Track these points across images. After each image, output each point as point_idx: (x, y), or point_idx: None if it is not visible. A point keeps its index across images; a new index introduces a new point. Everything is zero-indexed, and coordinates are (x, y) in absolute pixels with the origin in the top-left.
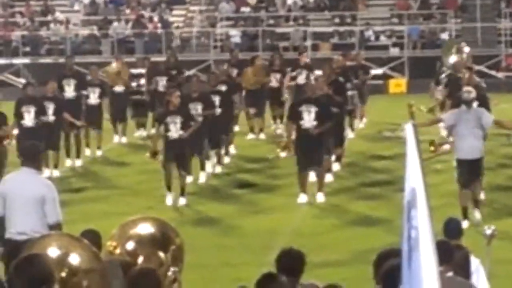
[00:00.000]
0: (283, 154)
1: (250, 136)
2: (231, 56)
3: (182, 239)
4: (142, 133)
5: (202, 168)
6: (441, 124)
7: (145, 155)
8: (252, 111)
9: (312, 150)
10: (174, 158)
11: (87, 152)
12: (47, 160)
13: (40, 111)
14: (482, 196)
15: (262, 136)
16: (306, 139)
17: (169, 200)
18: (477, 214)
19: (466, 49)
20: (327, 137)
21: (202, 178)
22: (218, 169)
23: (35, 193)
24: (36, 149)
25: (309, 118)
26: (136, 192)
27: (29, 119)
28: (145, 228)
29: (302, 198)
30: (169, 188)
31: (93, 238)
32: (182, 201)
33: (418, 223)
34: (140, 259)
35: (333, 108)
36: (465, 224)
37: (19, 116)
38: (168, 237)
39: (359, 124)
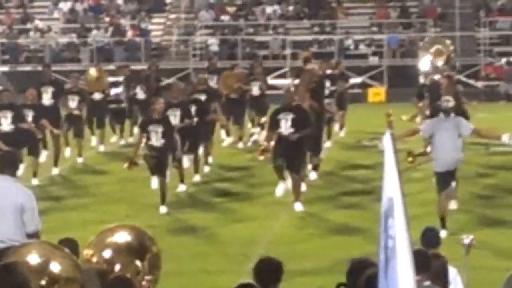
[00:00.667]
0: (261, 158)
1: (227, 140)
2: (209, 64)
3: (159, 247)
4: (119, 141)
5: (181, 179)
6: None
7: (123, 165)
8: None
9: (290, 157)
10: (154, 166)
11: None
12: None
13: (18, 118)
14: (453, 205)
15: (240, 145)
16: (285, 146)
17: (154, 183)
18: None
19: (446, 52)
20: (305, 146)
21: (181, 187)
22: (196, 178)
23: (14, 202)
24: (14, 156)
25: (285, 126)
26: (115, 200)
27: (6, 124)
28: (122, 236)
29: (281, 187)
30: (152, 173)
31: (71, 246)
32: (162, 209)
33: (395, 232)
34: (117, 267)
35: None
36: (443, 233)
37: None
38: (145, 245)
39: (340, 133)
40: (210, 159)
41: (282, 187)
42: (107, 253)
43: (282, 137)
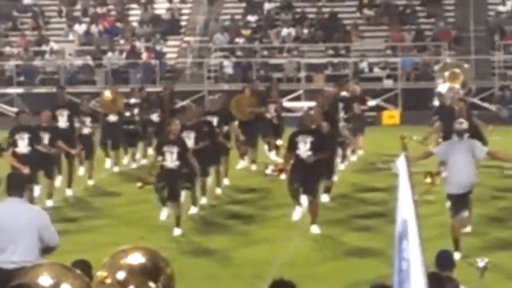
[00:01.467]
0: (282, 176)
1: (241, 163)
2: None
3: (173, 268)
4: (131, 163)
5: (194, 202)
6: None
7: (136, 185)
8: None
9: (307, 180)
10: (168, 193)
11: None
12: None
13: (35, 139)
14: (468, 228)
15: (253, 167)
16: (302, 168)
17: (163, 215)
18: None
19: (461, 76)
20: (321, 170)
21: (193, 210)
22: (203, 201)
23: (27, 222)
24: (21, 177)
25: (304, 148)
26: (128, 222)
27: (23, 146)
28: (136, 258)
29: (297, 211)
30: (163, 204)
31: (84, 268)
32: (177, 231)
33: (409, 255)
34: None
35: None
36: (456, 255)
37: (13, 144)
38: (159, 267)
39: (352, 156)
40: (225, 181)
41: (300, 211)
42: (121, 275)
43: (299, 160)
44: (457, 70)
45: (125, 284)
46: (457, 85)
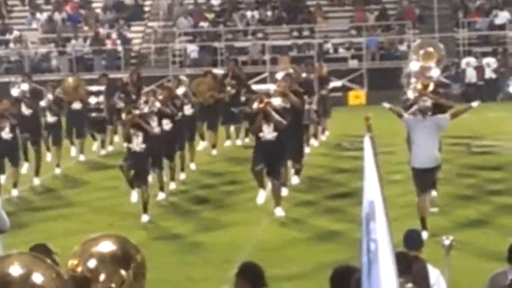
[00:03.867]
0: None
1: (201, 144)
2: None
3: (144, 255)
4: (100, 150)
5: (161, 187)
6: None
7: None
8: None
9: (270, 162)
10: (134, 175)
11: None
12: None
13: None
14: (436, 209)
15: (214, 152)
16: (265, 151)
17: (134, 197)
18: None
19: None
20: (286, 151)
21: (161, 195)
22: (172, 186)
23: None
24: None
25: (268, 130)
26: (97, 209)
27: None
28: (106, 246)
29: (261, 195)
30: (132, 186)
31: (42, 252)
32: (144, 218)
33: (377, 236)
34: (102, 277)
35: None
36: (424, 234)
37: None
38: (129, 254)
39: (321, 136)
40: (192, 166)
41: (263, 194)
42: (92, 263)
43: (263, 142)
44: (431, 49)
45: (96, 272)
46: (432, 64)
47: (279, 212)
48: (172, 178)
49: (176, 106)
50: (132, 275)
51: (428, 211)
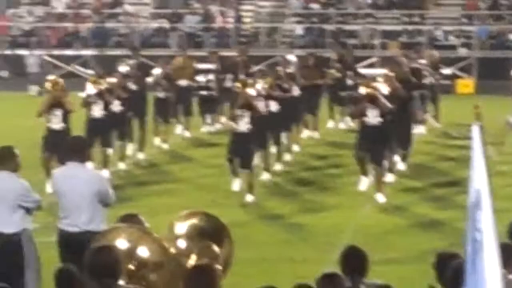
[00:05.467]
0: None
1: (305, 132)
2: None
3: (229, 232)
4: (210, 128)
5: (266, 168)
6: None
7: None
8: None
9: (373, 147)
10: (239, 153)
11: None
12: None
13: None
14: None
15: (316, 135)
16: (369, 137)
17: (235, 185)
18: None
19: None
20: (390, 138)
21: (265, 175)
22: (278, 167)
23: (87, 187)
24: (83, 142)
25: (373, 114)
26: (201, 186)
27: (97, 110)
28: (197, 222)
29: (364, 181)
30: (235, 175)
31: (135, 222)
32: (249, 197)
33: (482, 225)
34: (195, 253)
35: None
36: None
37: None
38: (219, 230)
39: (434, 123)
40: (296, 148)
41: (366, 181)
42: (182, 243)
43: (367, 127)
44: None
45: (189, 249)
46: None
47: (381, 198)
48: (278, 159)
49: (282, 87)
50: (223, 251)
51: None
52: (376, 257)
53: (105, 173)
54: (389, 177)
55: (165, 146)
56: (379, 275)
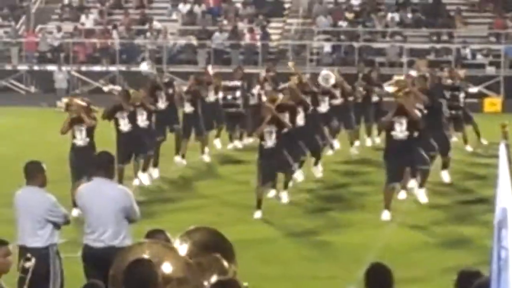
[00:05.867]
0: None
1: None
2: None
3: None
4: (237, 144)
5: (286, 186)
6: None
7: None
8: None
9: (400, 162)
10: (273, 165)
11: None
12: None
13: (132, 117)
14: None
15: (353, 150)
16: (396, 151)
17: (257, 214)
18: None
19: None
20: (416, 153)
21: (285, 197)
22: (301, 179)
23: (115, 204)
24: (109, 158)
25: (400, 129)
26: (227, 203)
27: (123, 125)
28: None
29: (385, 215)
30: (259, 205)
31: (160, 237)
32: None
33: (508, 243)
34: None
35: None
36: None
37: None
38: (227, 247)
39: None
40: (319, 167)
41: (388, 216)
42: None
43: (394, 141)
44: None
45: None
46: None
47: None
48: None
49: (304, 103)
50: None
51: None
52: (401, 274)
53: (155, 172)
54: (402, 194)
55: (207, 158)
56: None
